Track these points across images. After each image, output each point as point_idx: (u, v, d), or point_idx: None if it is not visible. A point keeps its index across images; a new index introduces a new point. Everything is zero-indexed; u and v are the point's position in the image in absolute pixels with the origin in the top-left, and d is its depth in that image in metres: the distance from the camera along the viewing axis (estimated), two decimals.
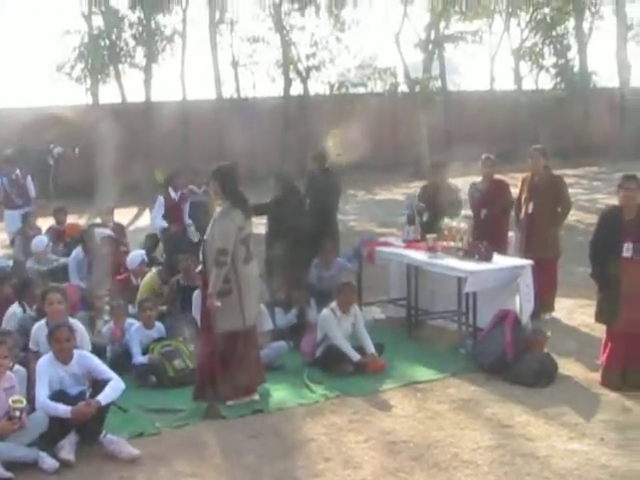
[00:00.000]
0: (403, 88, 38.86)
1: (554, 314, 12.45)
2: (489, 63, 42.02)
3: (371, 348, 10.48)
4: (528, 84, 42.21)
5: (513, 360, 9.89)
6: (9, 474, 7.56)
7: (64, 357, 8.34)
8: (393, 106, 35.97)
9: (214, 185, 9.45)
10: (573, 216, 17.15)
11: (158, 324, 10.85)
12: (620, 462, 7.57)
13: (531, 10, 40.64)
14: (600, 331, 9.99)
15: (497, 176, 13.45)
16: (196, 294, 10.65)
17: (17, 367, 8.60)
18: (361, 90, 38.14)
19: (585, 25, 41.94)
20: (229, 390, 9.17)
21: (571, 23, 41.81)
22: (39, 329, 9.23)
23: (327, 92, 37.86)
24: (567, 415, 8.71)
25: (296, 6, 37.00)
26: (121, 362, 10.15)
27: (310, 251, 12.65)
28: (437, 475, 7.48)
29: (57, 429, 8.00)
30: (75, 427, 8.00)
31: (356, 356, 10.30)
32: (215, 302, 8.90)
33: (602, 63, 44.39)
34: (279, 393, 9.65)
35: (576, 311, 12.44)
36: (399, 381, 9.94)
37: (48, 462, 7.73)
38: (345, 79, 38.18)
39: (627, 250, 9.17)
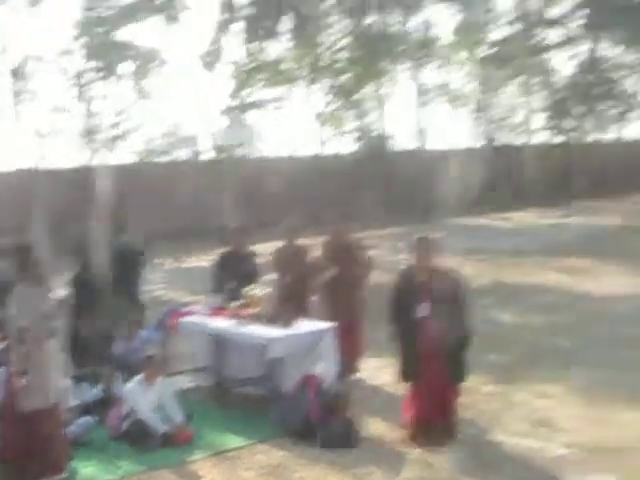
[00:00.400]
0: (209, 155, 39.19)
1: (359, 374, 12.64)
2: (292, 128, 42.65)
3: (179, 418, 10.39)
4: (330, 148, 43.15)
5: (319, 423, 9.97)
6: None
7: None
8: (199, 173, 35.98)
9: (14, 261, 9.23)
10: (376, 277, 17.53)
11: None
12: None
13: (331, 77, 41.53)
14: (404, 389, 10.20)
15: (299, 241, 13.60)
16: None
17: None
18: (166, 158, 38.19)
19: (383, 91, 43.18)
20: (36, 470, 8.88)
21: (371, 88, 42.95)
22: None
23: (133, 161, 37.68)
24: (374, 474, 8.84)
25: (99, 75, 36.82)
26: None
27: (114, 324, 12.48)
28: None
29: None
30: None
31: (163, 428, 10.17)
32: (20, 380, 8.68)
33: (400, 126, 45.91)
34: (87, 470, 9.41)
35: (381, 370, 12.61)
36: (207, 450, 9.87)
37: None
38: (150, 147, 38.16)
39: (422, 310, 9.45)
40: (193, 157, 39.39)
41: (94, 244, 13.31)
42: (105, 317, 12.17)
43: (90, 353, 11.94)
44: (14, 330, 8.80)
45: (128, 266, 13.53)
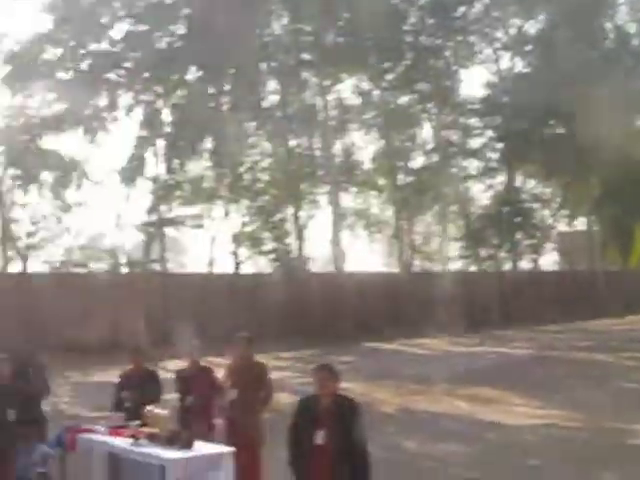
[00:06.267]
0: (125, 268, 39.08)
1: None
2: (210, 246, 42.74)
3: None
4: (248, 267, 43.36)
5: None
6: None
7: None
8: (113, 286, 35.76)
9: None
10: (286, 399, 17.44)
11: None
12: None
13: (251, 197, 41.97)
14: None
15: (203, 363, 13.53)
16: None
17: None
18: (82, 270, 38.00)
19: (303, 213, 43.70)
20: None
21: (290, 210, 43.45)
22: None
23: (47, 271, 37.43)
24: None
25: (18, 183, 36.79)
26: None
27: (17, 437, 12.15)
28: None
29: None
30: None
31: None
32: None
33: (319, 248, 46.32)
34: None
35: None
36: None
37: None
38: (66, 259, 37.99)
39: (319, 438, 9.38)
40: (111, 270, 39.25)
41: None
42: (6, 429, 11.83)
43: None
44: None
45: (35, 378, 13.22)
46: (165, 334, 29.57)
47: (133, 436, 11.52)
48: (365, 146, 47.62)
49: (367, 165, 47.22)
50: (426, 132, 49.98)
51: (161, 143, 39.28)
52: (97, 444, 11.87)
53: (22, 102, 37.04)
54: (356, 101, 45.71)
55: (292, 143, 43.50)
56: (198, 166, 41.48)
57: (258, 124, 41.55)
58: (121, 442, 11.54)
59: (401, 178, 48.16)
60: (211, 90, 39.22)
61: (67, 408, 19.89)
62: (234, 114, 39.45)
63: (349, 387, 10.10)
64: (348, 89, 45.74)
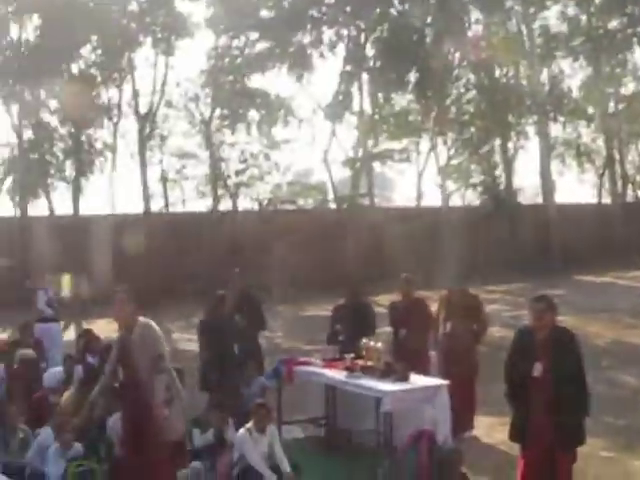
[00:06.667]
0: (332, 204, 39.42)
1: (473, 432, 12.46)
2: (417, 180, 42.61)
3: (287, 468, 10.39)
4: (455, 201, 43.03)
5: (429, 479, 9.86)
6: None
7: None
8: (321, 222, 36.13)
9: (125, 307, 9.34)
10: (497, 333, 17.32)
11: (76, 444, 10.65)
12: None
13: (457, 130, 41.46)
14: (518, 449, 9.99)
15: (417, 295, 13.54)
16: (113, 419, 10.51)
17: None
18: (290, 206, 38.57)
19: (510, 144, 42.89)
20: None
21: (497, 142, 42.73)
22: None
23: (256, 208, 38.15)
24: None
25: (226, 123, 37.45)
26: None
27: (235, 370, 12.52)
28: None
29: None
30: None
31: (272, 477, 10.20)
32: (164, 411, 8.90)
33: (527, 180, 45.42)
34: None
35: (495, 429, 12.36)
36: None
37: None
38: (274, 196, 38.58)
39: (537, 370, 9.25)
40: (319, 206, 39.72)
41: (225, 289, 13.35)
42: (233, 363, 12.19)
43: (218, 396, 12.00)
44: (145, 361, 8.97)
45: (251, 313, 13.58)
46: (376, 268, 29.78)
47: (348, 368, 11.70)
48: (573, 74, 46.18)
49: (576, 93, 45.75)
50: (637, 57, 48.07)
51: (365, 78, 39.24)
52: (313, 376, 12.13)
53: (227, 43, 37.67)
54: (562, 28, 44.27)
55: (498, 73, 42.66)
56: (403, 99, 41.29)
57: (462, 55, 40.88)
58: (336, 374, 11.75)
59: (611, 106, 46.55)
60: (415, 22, 38.76)
61: (282, 342, 20.37)
62: (438, 46, 38.92)
63: (562, 320, 9.85)
64: (553, 16, 44.44)
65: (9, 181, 35.25)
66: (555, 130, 44.22)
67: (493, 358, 13.32)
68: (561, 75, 44.53)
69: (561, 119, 43.38)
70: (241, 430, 10.57)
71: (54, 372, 13.58)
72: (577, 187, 53.48)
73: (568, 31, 43.74)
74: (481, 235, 37.44)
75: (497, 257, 37.61)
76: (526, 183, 46.81)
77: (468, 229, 37.36)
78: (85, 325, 17.54)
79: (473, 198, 43.39)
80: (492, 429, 12.54)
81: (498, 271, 34.96)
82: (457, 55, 41.08)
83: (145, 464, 8.87)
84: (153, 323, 9.23)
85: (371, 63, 38.62)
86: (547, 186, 41.93)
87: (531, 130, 43.25)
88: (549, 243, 39.79)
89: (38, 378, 13.44)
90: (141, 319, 9.29)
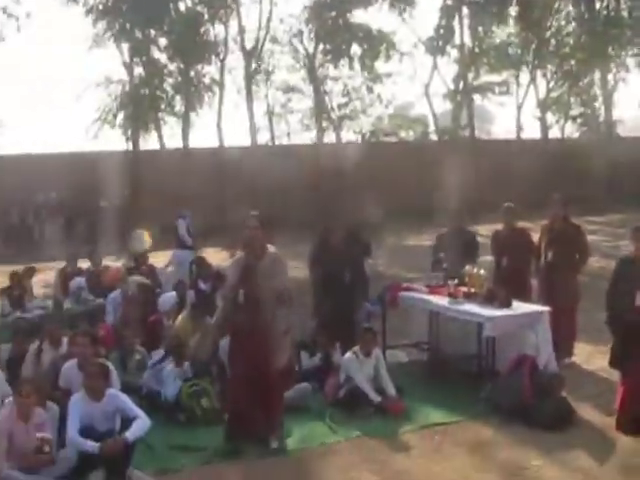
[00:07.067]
0: (433, 137, 39.23)
1: (573, 359, 12.38)
2: (516, 112, 41.96)
3: (392, 390, 10.51)
4: (554, 133, 42.38)
5: (531, 404, 9.85)
6: None
7: (96, 395, 8.43)
8: (423, 154, 35.93)
9: (258, 231, 9.31)
10: (596, 263, 17.08)
11: (188, 366, 10.89)
12: None
13: (557, 62, 40.70)
14: (617, 376, 9.91)
15: (519, 224, 13.42)
16: (225, 341, 10.70)
17: (50, 404, 8.70)
18: (392, 138, 38.53)
19: (610, 76, 41.91)
20: (259, 429, 9.18)
21: (597, 74, 41.82)
22: (69, 368, 9.45)
23: (359, 140, 38.18)
24: (581, 459, 8.65)
25: (329, 57, 37.34)
26: (153, 400, 10.25)
27: (345, 296, 12.53)
28: None
29: (86, 464, 8.08)
30: (103, 462, 8.06)
31: (377, 398, 10.33)
32: (283, 339, 9.15)
33: (628, 113, 44.38)
34: (302, 433, 9.64)
35: (595, 356, 12.28)
36: (418, 423, 9.92)
37: None
38: (376, 128, 38.54)
39: (639, 299, 9.15)
40: (420, 137, 39.61)
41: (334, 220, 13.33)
42: (345, 290, 12.20)
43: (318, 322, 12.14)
44: (271, 293, 9.02)
45: (357, 242, 13.54)
46: (476, 199, 29.52)
47: (451, 295, 11.72)
48: None
49: None
50: None
51: (466, 11, 38.58)
52: (417, 301, 12.17)
53: None
54: None
55: (598, 5, 41.47)
56: (503, 32, 40.59)
57: None
58: (439, 300, 11.79)
59: None
60: None
61: (385, 270, 20.36)
62: None
63: None
64: None
65: (121, 116, 35.74)
66: None
67: (593, 287, 13.21)
68: None
69: None
70: (348, 353, 10.71)
71: (168, 297, 13.87)
72: None
73: None
74: (579, 167, 36.72)
75: (596, 189, 36.96)
76: (626, 115, 45.84)
77: (565, 160, 36.76)
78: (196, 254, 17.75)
79: (572, 130, 42.68)
80: (592, 356, 12.43)
81: (597, 203, 34.40)
82: None
83: (256, 384, 9.02)
84: (282, 259, 9.30)
85: None
86: None
87: (631, 62, 42.16)
88: None
89: (153, 303, 13.77)
90: (271, 249, 9.32)
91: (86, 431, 8.20)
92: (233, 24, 36.18)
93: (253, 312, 8.99)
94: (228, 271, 9.59)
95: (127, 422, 8.36)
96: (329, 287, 12.14)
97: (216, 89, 36.13)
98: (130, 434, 8.18)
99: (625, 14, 40.93)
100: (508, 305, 11.17)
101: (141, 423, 8.33)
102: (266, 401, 9.11)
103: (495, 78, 40.68)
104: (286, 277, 9.28)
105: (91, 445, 8.04)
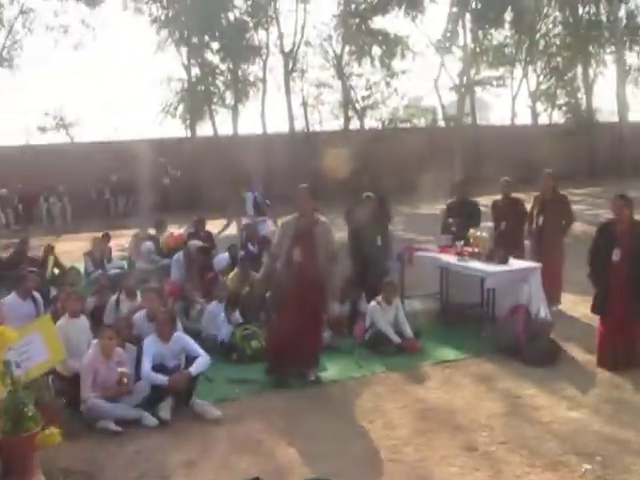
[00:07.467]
0: (441, 124, 39.19)
1: (560, 307, 12.33)
2: (511, 102, 41.72)
3: (409, 333, 10.53)
4: (543, 120, 42.24)
5: (524, 344, 9.84)
6: (119, 428, 7.75)
7: (165, 337, 8.51)
8: (432, 138, 35.86)
9: (309, 202, 9.23)
10: (579, 227, 16.94)
11: (238, 313, 10.94)
12: (610, 429, 7.51)
13: (545, 59, 40.54)
14: (597, 321, 9.86)
15: (514, 195, 13.35)
16: (270, 293, 10.85)
17: (128, 345, 8.80)
18: (406, 125, 38.57)
19: (591, 71, 41.53)
20: (299, 363, 9.23)
21: (579, 69, 41.49)
22: (139, 318, 9.62)
23: (379, 126, 38.19)
24: (567, 389, 8.65)
25: (354, 57, 37.37)
26: (210, 342, 10.33)
27: (377, 255, 12.45)
28: (458, 436, 7.48)
29: (157, 394, 8.15)
30: (171, 393, 8.15)
31: (397, 339, 10.36)
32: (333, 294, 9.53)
33: (605, 102, 43.98)
34: (335, 368, 9.70)
35: (579, 304, 12.21)
36: (431, 359, 9.95)
37: (149, 420, 7.91)
38: (393, 116, 38.61)
39: (616, 255, 9.11)
40: (430, 124, 39.55)
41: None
42: (374, 249, 12.15)
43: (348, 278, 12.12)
44: (326, 254, 9.08)
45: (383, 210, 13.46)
46: (477, 175, 29.36)
47: (459, 254, 11.70)
48: None
49: None
50: None
51: (468, 17, 38.15)
52: (430, 260, 12.14)
53: None
54: None
55: (580, 11, 40.89)
56: (500, 35, 40.25)
57: None
58: (449, 258, 11.78)
59: None
60: None
61: (403, 233, 20.31)
62: None
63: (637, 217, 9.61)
64: None
65: (181, 109, 35.88)
66: (630, 58, 42.27)
67: (576, 248, 13.11)
68: (636, 10, 42.17)
69: (636, 48, 41.45)
70: (372, 302, 10.73)
71: (222, 258, 13.93)
72: None
73: None
74: (564, 148, 36.38)
75: (578, 166, 36.67)
76: (604, 104, 45.36)
77: (552, 142, 36.52)
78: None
79: (558, 117, 42.39)
80: (576, 304, 12.38)
81: (579, 177, 34.14)
82: None
83: (302, 328, 9.03)
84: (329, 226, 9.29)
85: (473, 5, 37.52)
86: (622, 106, 40.36)
87: (609, 59, 41.69)
88: (622, 155, 38.49)
89: (210, 263, 13.83)
90: (321, 217, 9.27)
91: (157, 367, 8.29)
92: (273, 30, 36.07)
93: (309, 268, 8.95)
94: (278, 232, 9.44)
95: (191, 359, 8.44)
96: (363, 248, 12.11)
97: (259, 85, 36.09)
98: (193, 369, 8.27)
99: (604, 19, 40.41)
100: (506, 262, 11.15)
101: (202, 360, 8.41)
102: (308, 342, 9.15)
103: (493, 73, 40.43)
104: (334, 244, 9.28)
105: (161, 378, 8.13)
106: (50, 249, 15.05)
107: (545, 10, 40.62)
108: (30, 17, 32.79)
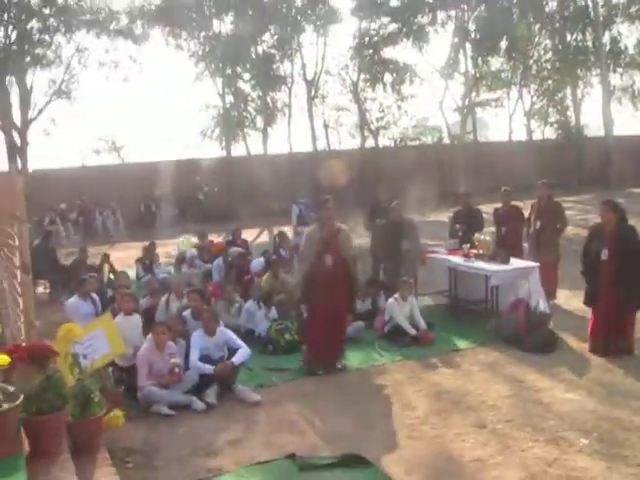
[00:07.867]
0: (446, 141, 39.17)
1: (556, 301, 12.29)
2: (508, 121, 41.62)
3: (424, 326, 10.54)
4: (537, 136, 42.08)
5: (525, 334, 9.83)
6: (172, 412, 7.84)
7: (210, 332, 8.60)
8: (438, 154, 35.88)
9: (334, 210, 9.19)
10: (571, 231, 16.88)
11: (274, 310, 11.02)
12: (604, 408, 7.50)
13: (538, 82, 40.47)
14: (589, 312, 9.84)
15: (513, 203, 13.34)
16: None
17: (179, 339, 8.87)
18: (415, 142, 38.60)
19: (579, 92, 41.38)
20: (332, 355, 9.24)
21: (569, 90, 41.33)
22: (188, 315, 9.70)
23: (392, 145, 38.20)
24: (565, 373, 8.64)
25: (368, 84, 37.43)
26: (249, 336, 10.39)
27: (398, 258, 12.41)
28: (470, 415, 7.50)
29: (204, 382, 8.24)
30: (216, 380, 8.24)
31: (413, 331, 10.37)
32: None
33: (592, 119, 43.73)
34: (357, 358, 9.74)
35: (573, 299, 12.16)
36: (444, 349, 9.96)
37: (198, 404, 7.99)
38: (404, 135, 38.63)
39: (604, 255, 9.11)
40: (436, 142, 39.50)
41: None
42: (397, 253, 12.13)
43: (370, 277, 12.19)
44: (350, 258, 9.17)
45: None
46: (478, 186, 29.24)
47: (465, 255, 11.71)
48: (629, 35, 43.67)
49: (631, 50, 43.18)
50: None
51: (469, 46, 38.07)
52: (440, 261, 12.16)
53: (366, 26, 36.95)
54: None
55: (569, 38, 40.67)
56: (497, 61, 40.10)
57: (541, 26, 39.37)
58: (457, 259, 11.78)
59: None
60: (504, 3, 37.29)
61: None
62: (522, 19, 37.72)
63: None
64: None
65: (217, 132, 36.09)
66: (614, 79, 41.95)
67: (569, 248, 13.09)
68: (619, 36, 41.86)
69: (619, 70, 41.18)
70: (391, 299, 10.75)
71: (258, 262, 13.98)
72: (632, 122, 50.63)
73: (627, 1, 40.84)
74: (556, 161, 36.20)
75: (569, 177, 36.44)
76: (591, 121, 45.14)
77: (546, 155, 36.39)
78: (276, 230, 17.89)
79: (550, 133, 42.16)
80: (570, 299, 12.33)
81: (571, 186, 33.94)
82: (537, 26, 39.59)
83: (330, 323, 9.09)
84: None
85: (473, 35, 37.44)
86: (607, 123, 40.04)
87: (595, 80, 41.38)
88: (608, 166, 38.21)
89: (247, 266, 13.89)
90: (342, 225, 9.27)
91: (204, 358, 8.37)
92: (297, 61, 36.21)
93: (340, 270, 9.00)
94: (304, 241, 9.36)
95: (233, 351, 8.53)
96: (387, 252, 12.04)
97: (286, 110, 36.23)
98: (236, 359, 8.35)
99: (590, 44, 40.15)
100: (507, 262, 11.14)
101: (243, 352, 8.49)
102: (336, 335, 9.20)
103: (492, 95, 40.34)
104: (352, 247, 9.39)
105: (208, 368, 8.22)
106: (106, 257, 15.18)
107: (536, 38, 40.40)
108: (85, 54, 33.12)
